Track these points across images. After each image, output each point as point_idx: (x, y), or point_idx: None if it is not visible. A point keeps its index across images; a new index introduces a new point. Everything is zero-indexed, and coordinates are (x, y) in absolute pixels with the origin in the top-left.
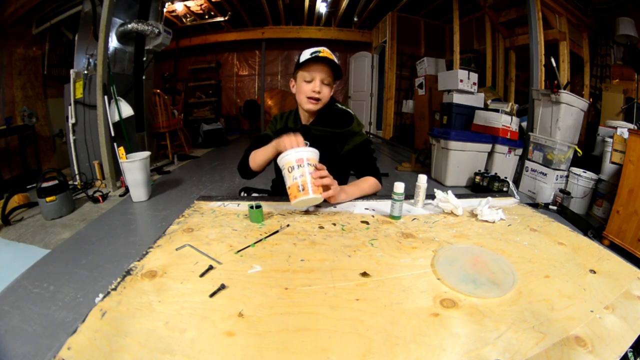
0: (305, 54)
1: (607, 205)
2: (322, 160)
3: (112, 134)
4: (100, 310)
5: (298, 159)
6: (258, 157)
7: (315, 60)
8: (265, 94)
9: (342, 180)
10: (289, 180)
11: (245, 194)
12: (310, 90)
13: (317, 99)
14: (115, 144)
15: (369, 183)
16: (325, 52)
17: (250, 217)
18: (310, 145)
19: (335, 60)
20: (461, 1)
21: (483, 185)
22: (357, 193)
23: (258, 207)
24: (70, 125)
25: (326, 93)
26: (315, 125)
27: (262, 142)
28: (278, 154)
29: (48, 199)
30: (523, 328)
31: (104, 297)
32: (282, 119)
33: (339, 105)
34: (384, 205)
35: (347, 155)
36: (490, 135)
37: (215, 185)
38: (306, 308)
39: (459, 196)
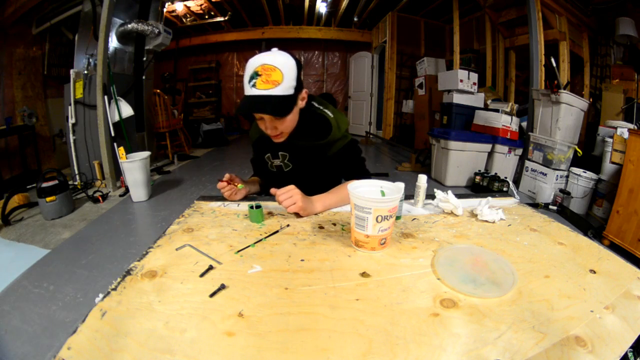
0: (245, 79)
1: (607, 205)
2: (306, 167)
3: (112, 134)
4: (100, 310)
5: (392, 209)
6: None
7: (252, 109)
8: None
9: (331, 184)
10: (370, 229)
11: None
12: (264, 129)
13: (279, 134)
14: (115, 144)
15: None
16: (265, 76)
17: (250, 217)
18: (292, 154)
19: (282, 80)
20: (461, 1)
21: (483, 185)
22: (334, 202)
23: (258, 207)
24: (70, 125)
25: (287, 125)
26: (294, 136)
27: (253, 156)
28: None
29: (48, 199)
30: (523, 328)
31: (104, 297)
32: (256, 123)
33: (316, 105)
34: None
35: (333, 158)
36: (490, 135)
37: (215, 185)
38: (306, 308)
39: (459, 196)
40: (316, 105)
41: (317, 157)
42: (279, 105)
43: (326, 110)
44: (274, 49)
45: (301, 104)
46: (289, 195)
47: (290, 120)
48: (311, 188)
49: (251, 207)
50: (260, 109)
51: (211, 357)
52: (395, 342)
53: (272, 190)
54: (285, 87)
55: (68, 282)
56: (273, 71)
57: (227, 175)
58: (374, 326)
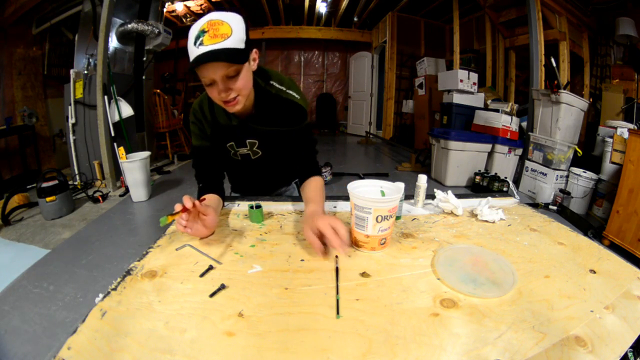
0: (190, 43)
1: (607, 205)
2: (276, 152)
3: (112, 134)
4: (100, 310)
5: (392, 209)
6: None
7: (202, 61)
8: None
9: (288, 169)
10: (370, 229)
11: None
12: (217, 96)
13: (234, 98)
14: (115, 144)
15: (321, 185)
16: (212, 31)
17: (250, 217)
18: (263, 140)
19: (232, 33)
20: (461, 1)
21: (483, 185)
22: (324, 201)
23: (258, 207)
24: (70, 125)
25: (241, 83)
26: (257, 120)
27: (201, 162)
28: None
29: (48, 199)
30: (523, 328)
31: (104, 297)
32: (204, 114)
33: (277, 86)
34: None
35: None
36: (490, 135)
37: None
38: (306, 308)
39: (459, 196)
40: (277, 86)
41: (286, 140)
42: (232, 54)
43: (291, 92)
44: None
45: (253, 65)
46: (340, 232)
47: (244, 80)
48: (278, 173)
49: (251, 207)
50: (212, 58)
51: (211, 357)
52: (395, 342)
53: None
54: (235, 39)
55: (68, 282)
56: (221, 25)
57: (189, 202)
58: (374, 326)
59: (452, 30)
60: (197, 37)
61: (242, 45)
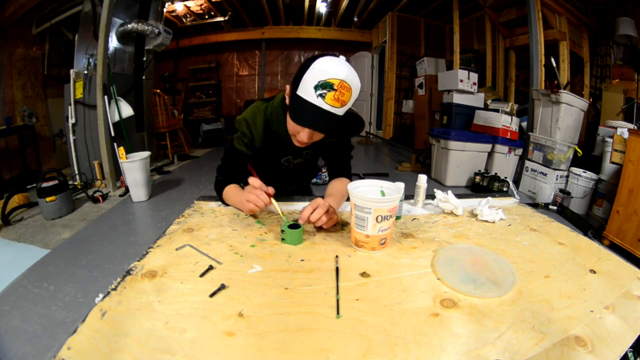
0: (310, 79)
1: (607, 205)
2: (316, 160)
3: (112, 134)
4: (100, 310)
5: (392, 209)
6: (230, 201)
7: (312, 124)
8: (265, 94)
9: (313, 170)
10: (370, 229)
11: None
12: (296, 138)
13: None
14: (115, 144)
15: (345, 186)
16: (339, 93)
17: (287, 239)
18: (315, 149)
19: (349, 102)
20: (461, 1)
21: (483, 185)
22: (342, 201)
23: (297, 226)
24: (70, 125)
25: (318, 138)
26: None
27: (234, 162)
28: None
29: (48, 199)
30: (523, 328)
31: (104, 297)
32: (256, 128)
33: None
34: None
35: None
36: (490, 135)
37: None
38: (306, 308)
39: (459, 196)
40: None
41: (335, 148)
42: (339, 127)
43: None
44: (342, 57)
45: None
46: (324, 213)
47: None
48: (304, 176)
49: (289, 227)
50: (323, 129)
51: (211, 357)
52: (395, 342)
53: (304, 219)
54: (347, 107)
55: (68, 282)
56: (348, 91)
57: (271, 189)
58: (374, 326)
59: (452, 30)
60: (322, 86)
61: (344, 111)
